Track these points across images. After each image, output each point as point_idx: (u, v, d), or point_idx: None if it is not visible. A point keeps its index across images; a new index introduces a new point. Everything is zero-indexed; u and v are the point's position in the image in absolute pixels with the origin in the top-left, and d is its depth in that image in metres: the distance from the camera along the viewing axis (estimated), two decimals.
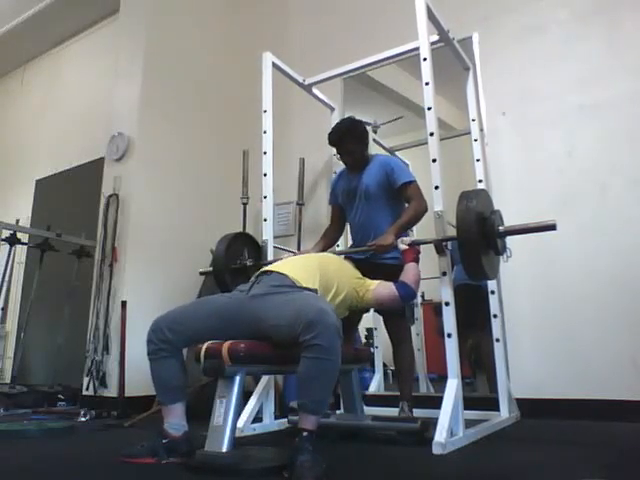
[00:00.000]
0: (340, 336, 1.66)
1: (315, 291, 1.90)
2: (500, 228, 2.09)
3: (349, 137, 2.49)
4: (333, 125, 2.74)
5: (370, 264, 2.40)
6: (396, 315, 2.45)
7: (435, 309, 3.08)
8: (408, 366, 2.48)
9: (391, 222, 2.41)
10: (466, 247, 1.99)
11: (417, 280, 2.16)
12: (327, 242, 2.69)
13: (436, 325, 2.71)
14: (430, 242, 2.34)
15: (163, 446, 1.73)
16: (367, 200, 2.49)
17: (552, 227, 1.99)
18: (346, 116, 2.87)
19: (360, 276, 2.19)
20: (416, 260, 2.22)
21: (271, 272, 2.01)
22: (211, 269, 2.67)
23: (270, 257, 2.65)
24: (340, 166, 2.80)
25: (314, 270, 2.00)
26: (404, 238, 2.27)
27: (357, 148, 2.51)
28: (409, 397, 2.42)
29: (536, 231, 2.08)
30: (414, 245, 2.25)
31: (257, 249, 2.72)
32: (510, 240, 2.91)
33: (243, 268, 2.62)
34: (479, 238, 1.98)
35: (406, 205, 2.45)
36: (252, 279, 2.02)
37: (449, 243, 2.17)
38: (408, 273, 2.17)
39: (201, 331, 1.83)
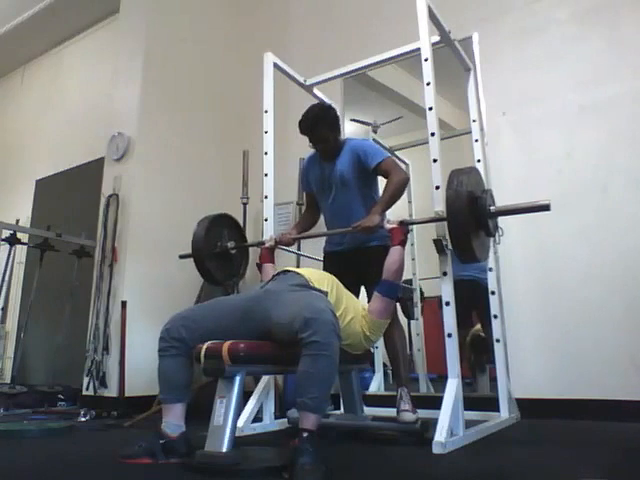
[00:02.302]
0: (337, 334, 1.68)
1: (326, 293, 1.94)
2: (491, 208, 2.01)
3: (321, 124, 2.36)
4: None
5: (354, 252, 2.37)
6: None
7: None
8: (401, 348, 2.34)
9: (367, 204, 2.34)
10: (456, 227, 1.91)
11: (398, 270, 2.09)
12: (304, 225, 2.63)
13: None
14: (420, 222, 2.33)
15: (160, 446, 1.73)
16: (343, 187, 2.39)
17: (546, 207, 1.90)
18: (347, 117, 2.85)
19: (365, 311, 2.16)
20: (403, 242, 2.14)
21: (289, 271, 2.09)
22: (190, 253, 2.54)
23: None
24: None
25: (329, 281, 2.06)
26: (389, 218, 2.19)
27: (330, 135, 2.39)
28: (407, 382, 2.31)
29: (529, 211, 2.02)
30: (403, 224, 2.15)
31: (239, 231, 2.70)
32: (510, 240, 2.93)
33: (224, 252, 2.55)
34: (469, 218, 1.91)
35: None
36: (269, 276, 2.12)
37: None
38: (389, 263, 2.09)
39: (215, 330, 1.84)
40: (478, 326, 3.11)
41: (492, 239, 2.19)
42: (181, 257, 2.67)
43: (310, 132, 2.39)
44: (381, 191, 2.36)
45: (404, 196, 2.52)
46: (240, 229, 2.74)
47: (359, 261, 2.37)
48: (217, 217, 2.61)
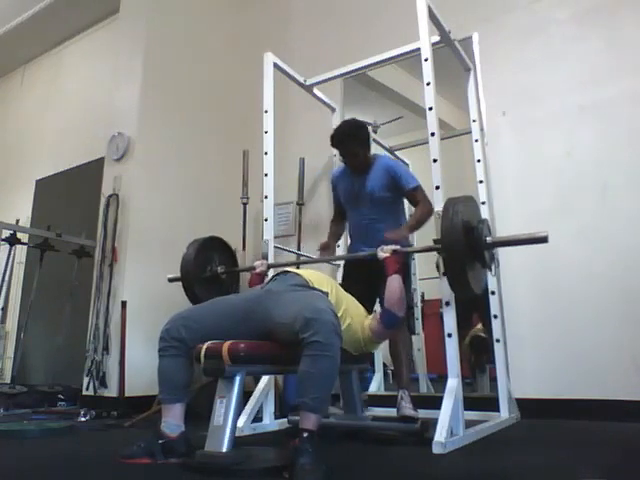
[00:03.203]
0: (338, 334, 1.68)
1: (326, 294, 1.95)
2: (488, 239, 1.95)
3: (352, 139, 2.47)
4: (334, 126, 2.75)
5: (374, 262, 2.37)
6: None
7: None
8: (404, 352, 2.43)
9: (394, 224, 2.46)
10: (450, 259, 1.86)
11: (399, 300, 2.06)
12: (337, 232, 2.77)
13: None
14: (415, 251, 2.40)
15: (160, 446, 1.73)
16: (372, 203, 2.50)
17: (543, 239, 1.86)
18: (347, 117, 2.87)
19: (367, 315, 2.17)
20: (399, 271, 2.11)
21: (288, 272, 2.09)
22: (179, 276, 2.53)
23: (271, 257, 2.65)
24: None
25: (329, 283, 2.07)
26: (384, 247, 2.16)
27: (360, 151, 2.49)
28: (408, 384, 2.38)
29: (526, 243, 1.99)
30: (396, 253, 2.14)
31: (229, 255, 2.67)
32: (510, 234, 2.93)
33: (214, 276, 2.50)
34: (465, 249, 1.85)
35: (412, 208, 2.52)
36: (269, 277, 2.11)
37: None
38: (390, 293, 2.06)
39: (215, 330, 1.84)
40: (479, 326, 3.11)
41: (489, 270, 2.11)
42: (170, 280, 2.64)
43: (340, 146, 2.49)
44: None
45: None
46: (231, 252, 2.70)
47: (377, 271, 2.33)
48: (207, 240, 2.58)
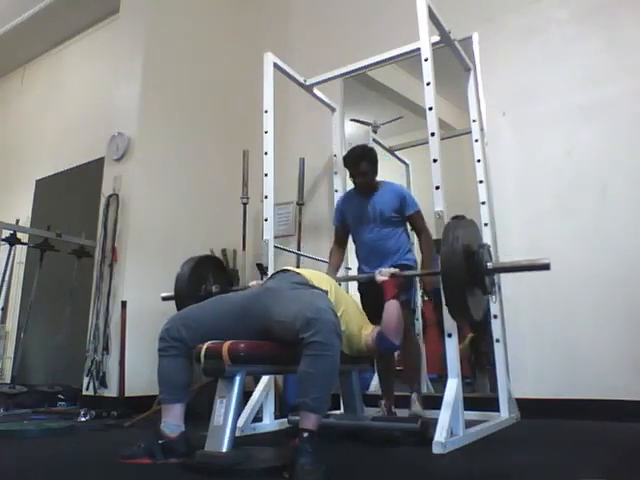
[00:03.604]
0: (339, 334, 1.68)
1: (326, 292, 1.95)
2: (488, 265, 1.90)
3: (362, 160, 2.64)
4: (334, 126, 3.06)
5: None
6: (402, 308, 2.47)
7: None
8: (414, 356, 2.60)
9: (400, 243, 2.62)
10: (450, 285, 1.82)
11: (397, 327, 2.03)
12: (337, 263, 2.84)
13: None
14: (414, 275, 2.44)
15: (159, 446, 1.73)
16: (381, 222, 2.63)
17: (545, 267, 1.83)
18: (347, 117, 2.90)
19: (367, 320, 2.17)
20: (397, 296, 2.09)
21: (287, 270, 2.10)
22: (173, 295, 2.51)
23: (271, 257, 2.66)
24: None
25: (328, 282, 2.07)
26: (382, 269, 2.16)
27: (370, 170, 2.66)
28: (418, 388, 2.55)
29: (528, 270, 1.96)
30: (395, 277, 2.12)
31: (224, 274, 2.66)
32: (510, 237, 2.94)
33: (208, 296, 2.44)
34: (465, 276, 1.80)
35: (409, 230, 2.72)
36: (268, 275, 2.12)
37: None
38: (387, 320, 2.02)
39: (215, 329, 1.84)
40: (470, 335, 3.04)
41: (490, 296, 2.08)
42: (164, 299, 2.65)
43: (352, 166, 2.67)
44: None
45: None
46: (226, 272, 2.69)
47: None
48: (202, 259, 2.57)
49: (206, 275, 2.54)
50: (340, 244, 2.86)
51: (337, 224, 2.86)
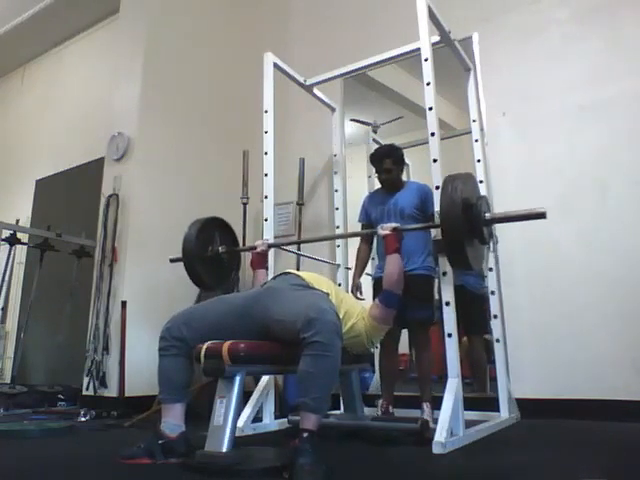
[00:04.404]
0: (339, 335, 1.68)
1: (327, 294, 1.96)
2: (486, 215, 1.97)
3: (388, 157, 2.72)
4: (334, 126, 3.20)
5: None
6: (420, 325, 2.56)
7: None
8: (428, 370, 2.61)
9: (421, 241, 2.61)
10: (450, 234, 1.88)
11: (398, 280, 2.10)
12: (364, 260, 2.86)
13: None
14: (414, 229, 2.39)
15: (159, 447, 1.73)
16: (401, 219, 2.61)
17: (542, 215, 1.88)
18: (347, 117, 2.92)
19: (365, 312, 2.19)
20: (398, 250, 2.14)
21: (289, 273, 2.12)
22: (180, 256, 2.54)
23: (271, 257, 2.65)
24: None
25: (328, 285, 2.08)
26: (384, 225, 2.22)
27: (394, 168, 2.72)
28: (430, 398, 2.54)
29: (525, 219, 2.01)
30: (396, 231, 2.16)
31: (231, 234, 2.68)
32: (509, 239, 2.94)
33: (215, 256, 2.53)
34: (464, 225, 1.87)
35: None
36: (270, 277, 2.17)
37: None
38: (389, 273, 2.10)
39: (215, 328, 1.85)
40: (464, 339, 2.99)
41: (487, 247, 2.16)
42: (172, 261, 2.65)
43: (378, 163, 2.74)
44: None
45: None
46: (232, 233, 2.70)
47: (405, 290, 2.34)
48: (209, 220, 2.58)
49: (213, 236, 2.56)
50: (366, 242, 2.87)
51: (362, 222, 2.89)
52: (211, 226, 2.57)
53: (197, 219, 2.57)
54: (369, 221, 2.82)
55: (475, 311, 2.96)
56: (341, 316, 1.91)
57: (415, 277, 2.50)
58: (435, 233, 2.65)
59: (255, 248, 2.50)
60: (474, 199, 1.97)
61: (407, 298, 2.23)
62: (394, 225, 2.18)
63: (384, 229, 2.17)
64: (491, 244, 2.10)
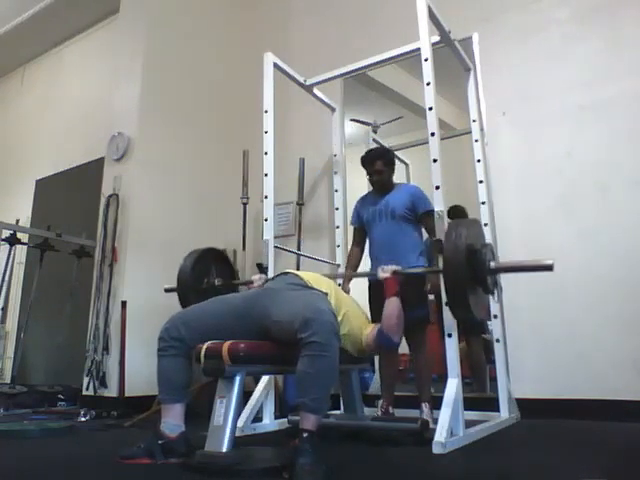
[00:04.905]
0: (337, 335, 1.69)
1: (325, 294, 1.95)
2: (491, 264, 1.90)
3: (381, 159, 2.73)
4: (335, 126, 3.25)
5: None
6: (417, 325, 2.54)
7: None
8: (427, 370, 2.63)
9: (412, 242, 2.63)
10: (452, 283, 1.83)
11: (398, 323, 2.06)
12: (355, 262, 2.88)
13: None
14: (415, 273, 2.41)
15: (159, 447, 1.73)
16: (392, 219, 2.65)
17: (549, 268, 1.83)
18: (347, 117, 2.92)
19: (369, 320, 2.20)
20: (398, 293, 2.11)
21: (288, 272, 2.11)
22: (175, 287, 2.52)
23: (271, 257, 2.65)
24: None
25: (328, 285, 2.07)
26: (384, 267, 2.18)
27: (385, 170, 2.74)
28: (429, 398, 2.55)
29: (531, 270, 1.97)
30: (396, 274, 2.14)
31: (227, 266, 2.66)
32: (510, 237, 2.94)
33: (211, 288, 2.47)
34: (467, 274, 1.81)
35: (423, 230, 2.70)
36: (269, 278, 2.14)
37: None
38: (387, 317, 2.05)
39: (214, 328, 1.85)
40: (462, 344, 3.03)
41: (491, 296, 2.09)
42: (166, 291, 2.64)
43: (370, 164, 2.75)
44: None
45: None
46: (229, 265, 2.68)
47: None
48: (205, 251, 2.56)
49: (209, 268, 2.54)
50: (358, 245, 2.88)
51: (355, 225, 2.90)
52: (207, 258, 2.55)
53: (193, 250, 2.54)
54: (361, 223, 2.84)
55: None
56: (340, 317, 1.91)
57: (409, 277, 2.47)
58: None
59: (252, 282, 2.43)
60: (478, 246, 1.90)
61: (401, 298, 2.22)
62: (394, 268, 2.16)
63: (384, 271, 2.15)
64: (496, 293, 2.05)
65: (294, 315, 1.70)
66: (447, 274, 1.85)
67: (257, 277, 2.43)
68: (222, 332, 1.81)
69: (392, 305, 2.07)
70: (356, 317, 2.08)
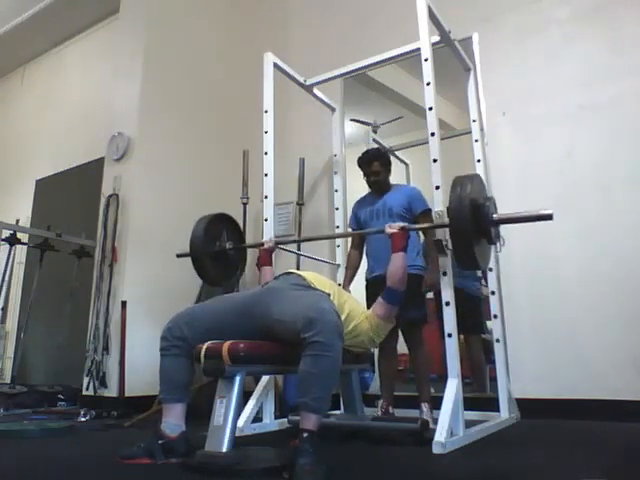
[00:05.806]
0: (340, 335, 1.68)
1: (328, 295, 1.96)
2: (494, 216, 1.99)
3: (378, 160, 2.76)
4: (335, 126, 3.27)
5: None
6: (412, 323, 2.57)
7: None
8: (425, 369, 2.64)
9: (410, 240, 2.54)
10: (458, 234, 1.92)
11: (402, 278, 2.13)
12: (354, 264, 2.88)
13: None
14: (422, 228, 2.42)
15: (160, 446, 1.73)
16: (389, 218, 2.65)
17: (549, 217, 1.92)
18: (347, 117, 2.95)
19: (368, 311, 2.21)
20: (405, 248, 2.17)
21: (291, 273, 2.12)
22: (188, 252, 2.56)
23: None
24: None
25: (331, 286, 2.09)
26: (392, 224, 2.23)
27: (381, 170, 2.77)
28: (428, 398, 2.55)
29: (531, 220, 2.02)
30: (404, 230, 2.18)
31: (238, 231, 2.70)
32: (509, 240, 2.93)
33: (222, 252, 2.55)
34: (472, 225, 1.89)
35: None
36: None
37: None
38: (393, 271, 2.12)
39: (217, 327, 1.85)
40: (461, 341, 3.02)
41: (493, 247, 2.16)
42: (178, 256, 2.67)
43: (367, 165, 2.78)
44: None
45: None
46: (239, 230, 2.73)
47: None
48: (216, 216, 2.60)
49: (220, 231, 2.58)
50: (357, 247, 2.89)
51: (352, 226, 2.92)
52: (219, 222, 2.60)
53: (204, 215, 2.58)
54: (358, 225, 2.85)
55: (472, 312, 2.97)
56: (344, 317, 1.92)
57: (408, 276, 2.48)
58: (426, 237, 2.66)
59: (262, 244, 2.54)
60: (482, 199, 1.99)
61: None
62: (402, 224, 2.20)
63: (392, 227, 2.19)
64: (498, 245, 2.10)
65: (297, 315, 1.70)
66: (453, 227, 1.93)
67: (267, 239, 2.56)
68: (225, 331, 1.81)
69: (398, 260, 2.13)
70: (359, 313, 2.10)
